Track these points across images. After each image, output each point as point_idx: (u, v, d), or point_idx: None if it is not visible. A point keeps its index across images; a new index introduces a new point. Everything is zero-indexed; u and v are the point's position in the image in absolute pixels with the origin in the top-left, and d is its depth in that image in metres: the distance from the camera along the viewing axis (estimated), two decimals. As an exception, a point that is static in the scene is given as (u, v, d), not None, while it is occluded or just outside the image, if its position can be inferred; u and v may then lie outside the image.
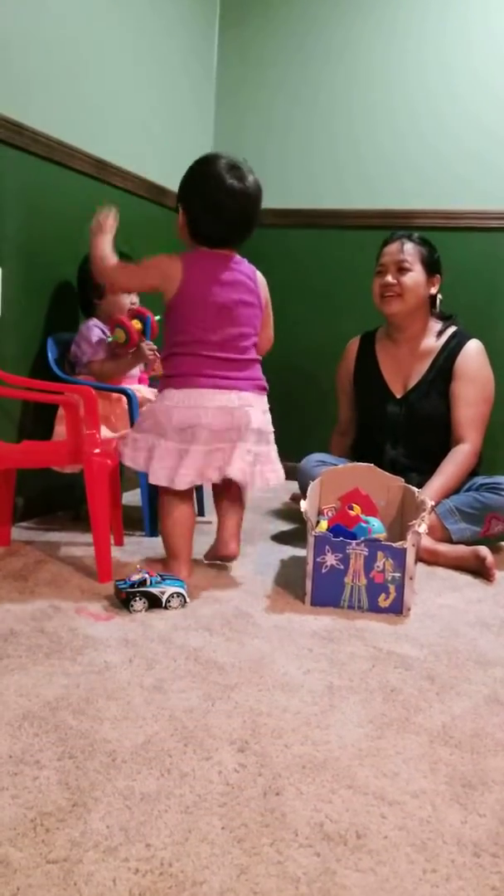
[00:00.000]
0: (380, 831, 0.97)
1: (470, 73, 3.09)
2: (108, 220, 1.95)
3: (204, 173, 1.84)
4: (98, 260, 1.93)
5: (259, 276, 1.97)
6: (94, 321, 2.35)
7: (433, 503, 2.04)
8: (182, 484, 1.83)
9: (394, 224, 3.16)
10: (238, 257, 1.94)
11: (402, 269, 2.37)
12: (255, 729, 1.21)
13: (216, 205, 1.83)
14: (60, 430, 2.26)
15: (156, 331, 2.30)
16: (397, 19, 3.17)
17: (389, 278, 2.38)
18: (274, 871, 0.89)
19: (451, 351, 2.41)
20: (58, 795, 1.01)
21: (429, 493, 2.14)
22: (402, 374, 2.48)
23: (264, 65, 3.36)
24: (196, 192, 1.85)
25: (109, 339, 2.28)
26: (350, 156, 3.28)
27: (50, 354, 2.32)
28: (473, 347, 2.41)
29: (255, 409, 1.88)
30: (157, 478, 1.85)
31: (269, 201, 3.35)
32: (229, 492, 1.97)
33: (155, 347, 2.32)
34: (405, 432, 2.44)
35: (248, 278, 1.92)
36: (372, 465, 2.11)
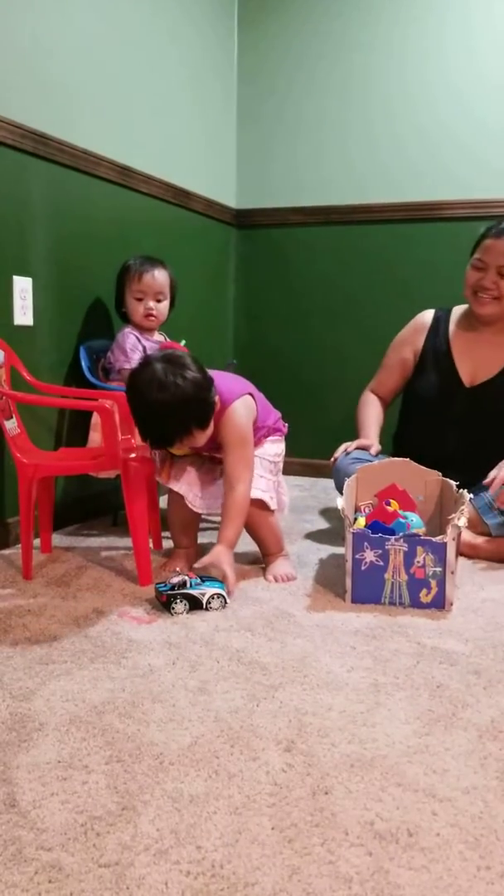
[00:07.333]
0: (431, 829, 0.96)
1: (496, 60, 3.06)
2: None
3: None
4: None
5: None
6: (130, 328, 2.36)
7: (471, 496, 1.99)
8: None
9: (417, 216, 3.12)
10: None
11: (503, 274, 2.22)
12: (300, 728, 1.20)
13: None
14: (95, 436, 2.28)
15: None
16: (417, 10, 3.14)
17: (488, 281, 2.23)
18: (326, 871, 0.88)
19: None
20: (107, 799, 1.01)
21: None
22: (473, 362, 2.35)
23: (284, 64, 3.34)
24: None
25: None
26: (370, 149, 3.25)
27: (83, 362, 2.34)
28: None
29: None
30: None
31: (290, 199, 3.37)
32: None
33: None
34: (467, 423, 2.32)
35: None
36: (408, 459, 2.09)
